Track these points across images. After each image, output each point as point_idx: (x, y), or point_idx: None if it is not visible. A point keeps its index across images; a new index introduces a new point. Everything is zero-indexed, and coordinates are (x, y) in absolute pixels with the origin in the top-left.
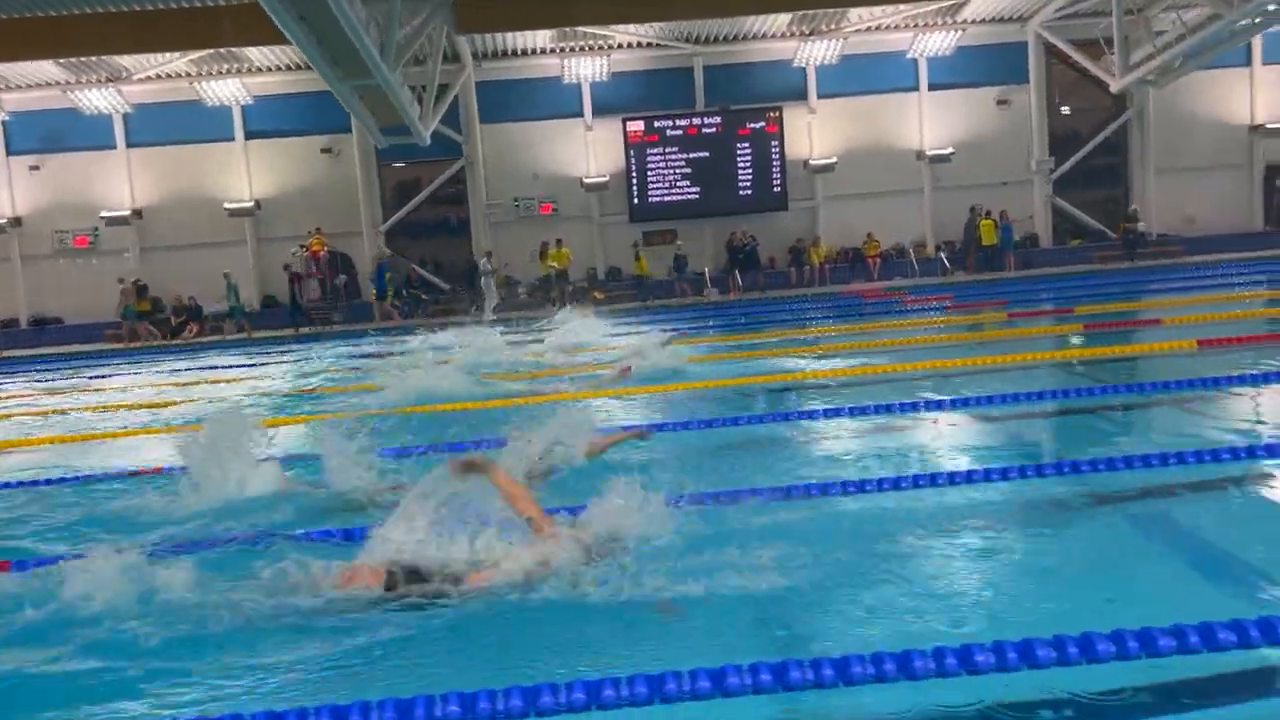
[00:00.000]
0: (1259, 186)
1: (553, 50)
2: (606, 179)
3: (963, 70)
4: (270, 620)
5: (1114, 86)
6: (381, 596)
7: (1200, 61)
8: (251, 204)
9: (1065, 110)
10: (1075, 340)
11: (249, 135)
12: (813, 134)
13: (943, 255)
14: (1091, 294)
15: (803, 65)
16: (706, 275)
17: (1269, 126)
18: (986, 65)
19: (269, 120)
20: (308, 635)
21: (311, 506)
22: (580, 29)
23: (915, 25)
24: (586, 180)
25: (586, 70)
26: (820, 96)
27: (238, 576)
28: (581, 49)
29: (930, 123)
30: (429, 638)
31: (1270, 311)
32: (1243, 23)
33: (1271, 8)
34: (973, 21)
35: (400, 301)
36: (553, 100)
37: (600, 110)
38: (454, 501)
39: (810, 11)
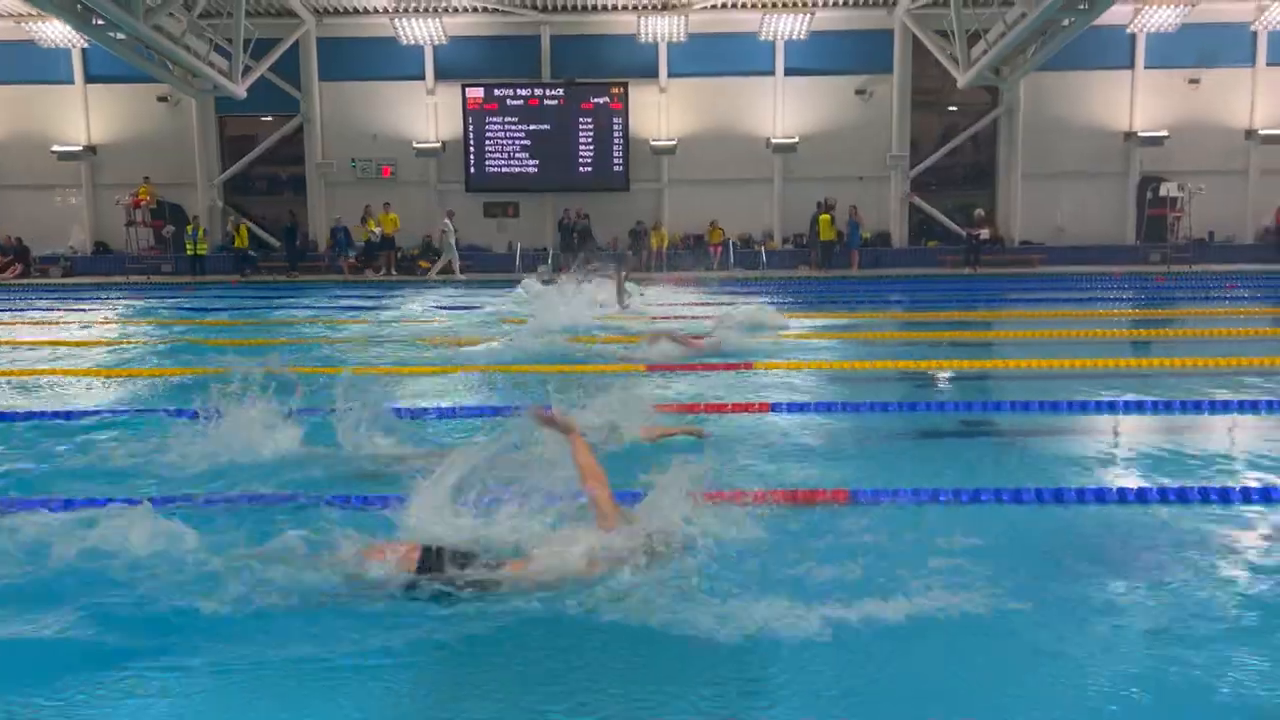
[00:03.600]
0: (1133, 197)
1: (388, 10)
2: (438, 145)
3: (824, 56)
4: (277, 597)
5: (960, 81)
6: (412, 579)
7: (1041, 59)
8: (80, 148)
9: (952, 107)
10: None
11: (89, 79)
12: (664, 114)
13: (759, 247)
14: (875, 299)
15: (652, 41)
16: (549, 252)
17: (1143, 135)
18: (850, 52)
19: (109, 65)
20: (316, 620)
21: (327, 470)
22: None
23: (765, 5)
24: (417, 145)
25: (422, 32)
26: (672, 75)
27: (240, 543)
28: (417, 9)
29: (786, 110)
30: (449, 637)
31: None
32: (1065, 21)
33: (1084, 7)
34: (833, 4)
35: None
36: (395, 61)
37: (444, 75)
38: (499, 473)
39: None
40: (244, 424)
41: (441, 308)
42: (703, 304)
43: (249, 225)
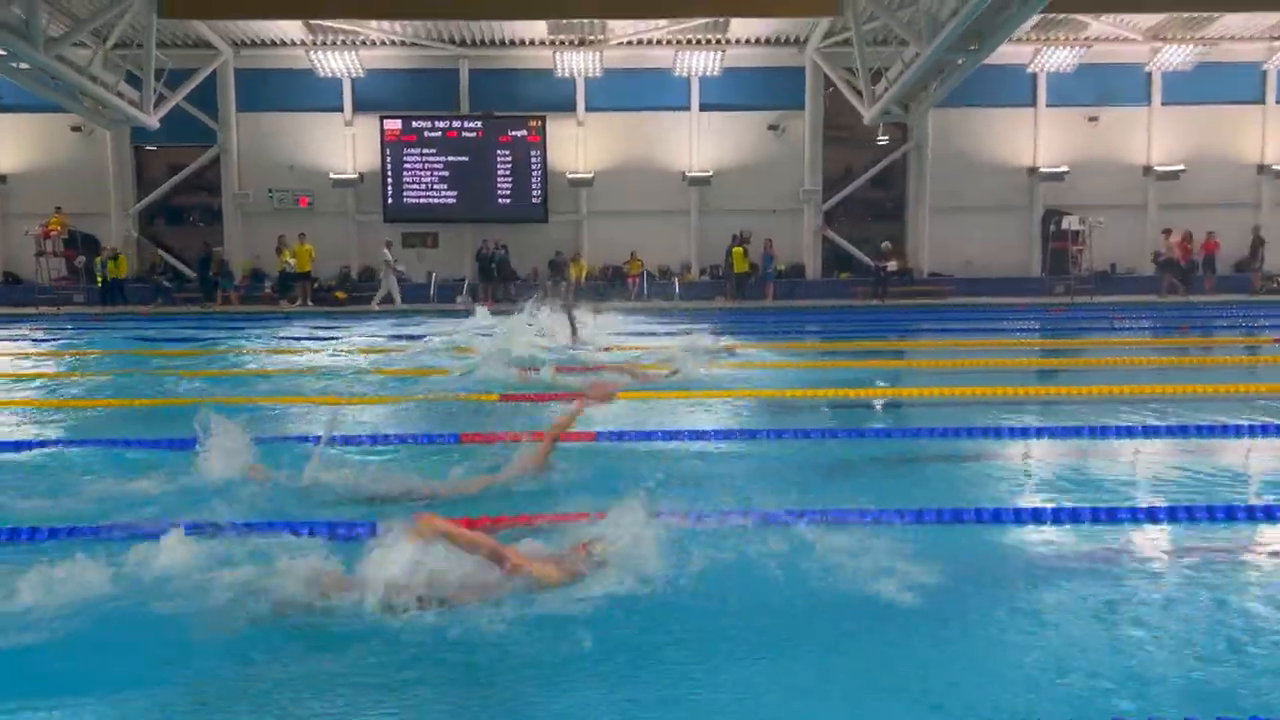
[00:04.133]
0: (1037, 230)
1: (305, 43)
2: (356, 176)
3: (738, 92)
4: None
5: (866, 118)
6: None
7: (940, 96)
8: None
9: (868, 141)
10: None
11: (1, 109)
12: (582, 147)
13: (675, 279)
14: (784, 329)
15: (569, 76)
16: (465, 284)
17: (1045, 170)
18: (764, 88)
19: (21, 94)
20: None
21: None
22: (326, 23)
23: (679, 42)
24: (334, 176)
25: (339, 64)
26: (590, 109)
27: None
28: (335, 43)
29: (702, 144)
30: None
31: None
32: (959, 60)
33: (974, 48)
34: (744, 42)
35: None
36: (314, 93)
37: (363, 106)
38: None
39: (568, 20)
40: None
41: (396, 337)
42: (652, 334)
43: (163, 255)
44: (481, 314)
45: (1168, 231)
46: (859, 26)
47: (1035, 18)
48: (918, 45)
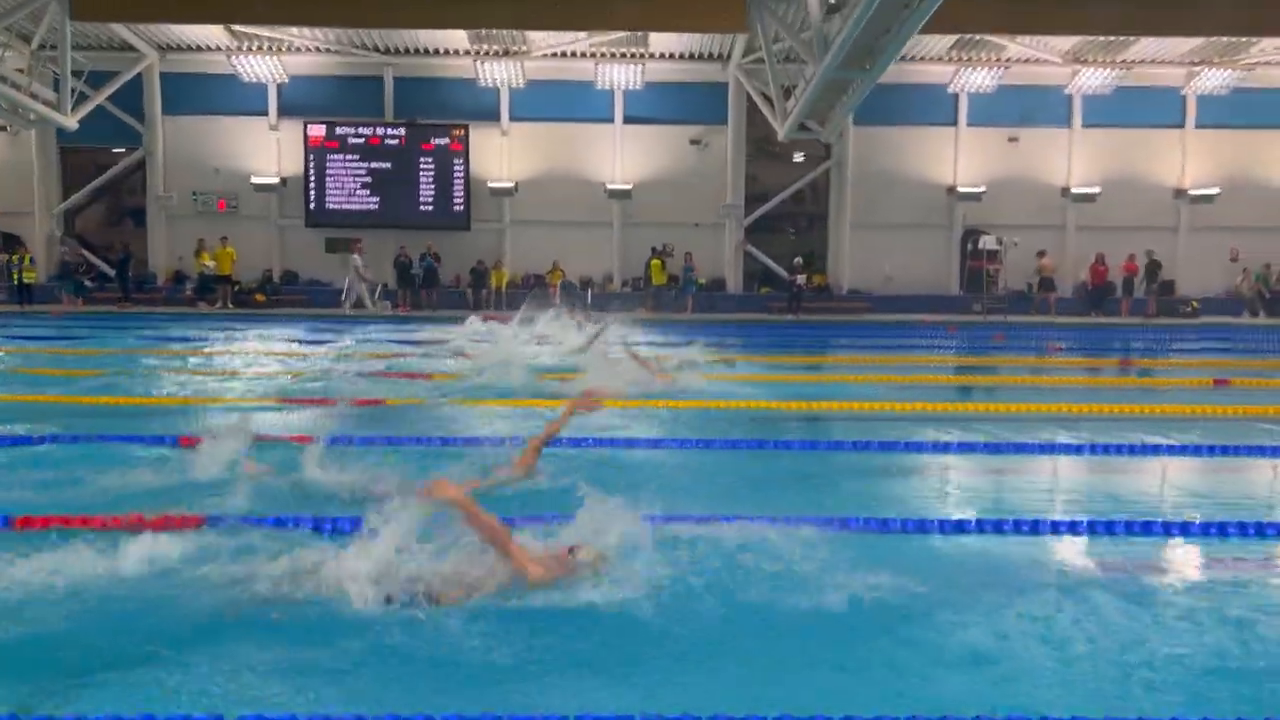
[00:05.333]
0: (957, 249)
1: (227, 48)
2: (276, 181)
3: (662, 106)
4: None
5: (780, 134)
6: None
7: (844, 113)
8: None
9: (795, 157)
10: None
11: None
12: (505, 156)
13: (590, 290)
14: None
15: (493, 85)
16: (379, 288)
17: (963, 190)
18: (688, 103)
19: None
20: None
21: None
22: (250, 29)
23: (601, 55)
24: (256, 180)
25: (263, 70)
26: (514, 119)
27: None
28: (259, 49)
29: (626, 157)
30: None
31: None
32: (857, 79)
33: (868, 67)
34: (666, 56)
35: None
36: (240, 97)
37: (288, 111)
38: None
39: (490, 30)
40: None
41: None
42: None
43: (86, 254)
44: (472, 322)
45: (1042, 253)
46: (768, 44)
47: (952, 38)
48: (813, 64)
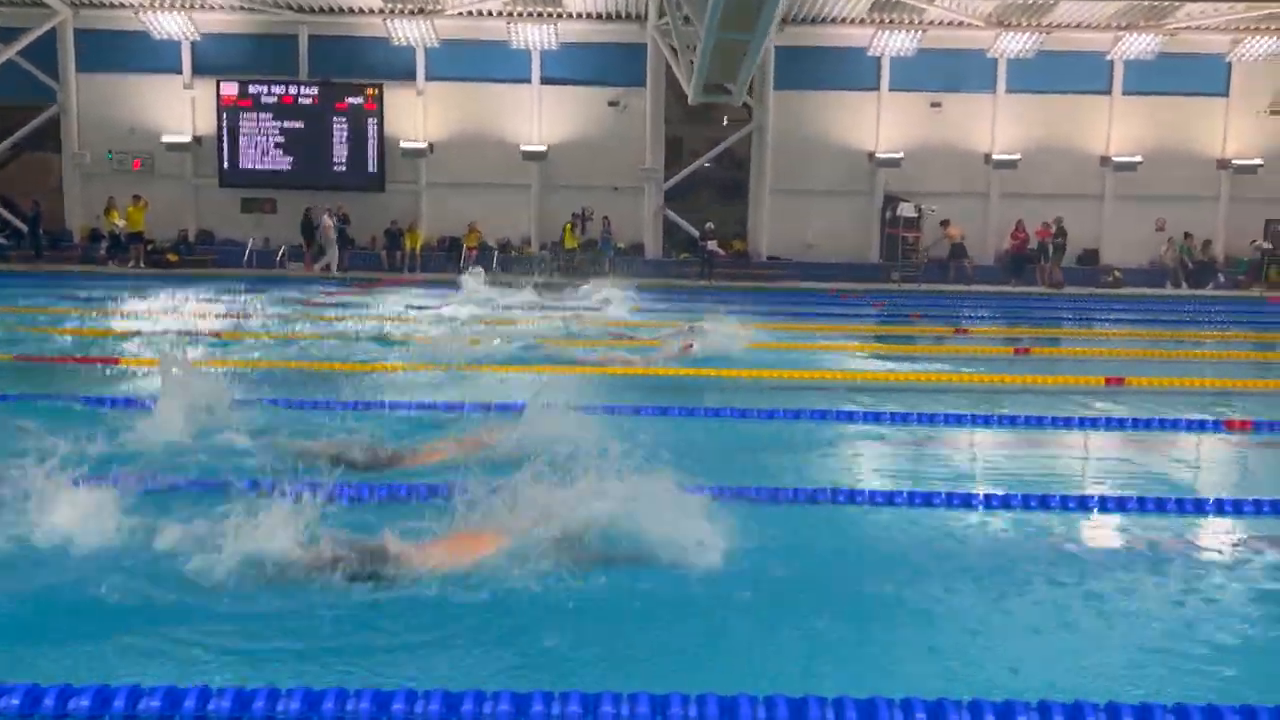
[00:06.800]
0: (877, 216)
1: (139, 4)
2: (190, 140)
3: (580, 66)
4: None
5: (690, 97)
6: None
7: (745, 76)
8: None
9: (722, 121)
10: None
11: None
12: (421, 117)
13: (496, 253)
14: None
15: (408, 44)
16: (284, 250)
17: (884, 156)
18: (605, 64)
19: None
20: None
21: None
22: None
23: (515, 15)
24: (169, 139)
25: (174, 27)
26: (430, 79)
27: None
28: (171, 5)
29: (544, 118)
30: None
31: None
32: (745, 40)
33: (774, 31)
34: (581, 16)
35: None
36: (154, 55)
37: (202, 70)
38: None
39: None
40: None
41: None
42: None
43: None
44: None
45: (946, 222)
46: (672, 5)
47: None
48: (698, 24)
